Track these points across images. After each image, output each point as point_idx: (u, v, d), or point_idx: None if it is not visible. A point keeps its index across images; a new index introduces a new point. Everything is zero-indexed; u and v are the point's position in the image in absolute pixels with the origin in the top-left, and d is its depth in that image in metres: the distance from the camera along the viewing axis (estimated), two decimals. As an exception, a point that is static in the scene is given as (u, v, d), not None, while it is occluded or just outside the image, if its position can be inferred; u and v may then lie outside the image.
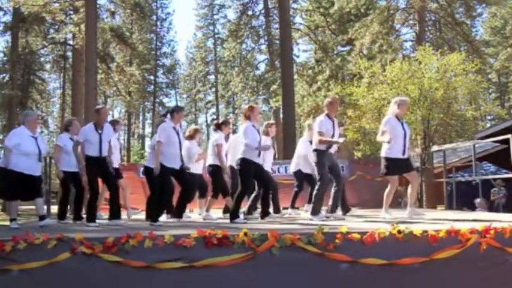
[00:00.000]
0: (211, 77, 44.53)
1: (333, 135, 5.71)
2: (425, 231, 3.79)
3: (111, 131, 5.90)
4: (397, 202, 10.32)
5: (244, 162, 5.59)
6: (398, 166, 5.55)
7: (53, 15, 19.57)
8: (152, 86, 39.43)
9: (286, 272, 3.65)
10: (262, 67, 31.59)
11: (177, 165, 5.64)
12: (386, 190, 5.73)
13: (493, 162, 12.77)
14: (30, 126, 5.47)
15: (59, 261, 3.53)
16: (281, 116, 20.48)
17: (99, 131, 5.59)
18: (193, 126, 7.80)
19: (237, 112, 39.36)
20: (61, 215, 6.37)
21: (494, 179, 10.75)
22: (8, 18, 22.94)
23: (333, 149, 6.12)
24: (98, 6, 18.64)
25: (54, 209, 7.23)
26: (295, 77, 22.29)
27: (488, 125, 27.67)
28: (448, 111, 11.26)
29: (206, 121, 44.66)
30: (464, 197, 10.52)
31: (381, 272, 3.67)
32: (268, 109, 31.83)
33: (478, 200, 9.90)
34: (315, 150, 5.69)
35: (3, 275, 3.51)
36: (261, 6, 27.30)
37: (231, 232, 3.69)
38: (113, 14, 21.72)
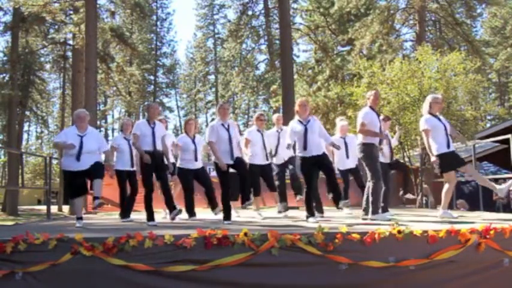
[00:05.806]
0: (211, 77, 44.54)
1: (380, 128, 5.52)
2: (426, 231, 3.78)
3: (162, 128, 5.92)
4: (399, 202, 10.33)
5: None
6: (449, 160, 5.30)
7: (53, 15, 19.57)
8: (152, 86, 39.44)
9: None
10: (262, 67, 31.65)
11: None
12: (445, 188, 5.30)
13: (493, 162, 12.74)
14: (79, 125, 5.49)
15: (61, 263, 3.52)
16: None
17: (152, 125, 5.69)
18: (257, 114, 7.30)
19: (237, 112, 39.36)
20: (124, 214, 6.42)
21: (494, 179, 10.73)
22: (8, 18, 23.03)
23: (385, 147, 5.96)
24: (98, 6, 18.64)
25: (54, 209, 7.21)
26: (295, 77, 22.29)
27: (488, 125, 27.68)
28: (448, 111, 11.24)
29: (206, 121, 44.62)
30: (464, 197, 10.52)
31: (381, 271, 3.67)
32: (268, 109, 31.84)
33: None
34: (363, 144, 5.39)
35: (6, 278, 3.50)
36: (261, 6, 27.33)
37: (231, 232, 3.67)
38: (113, 14, 21.73)
